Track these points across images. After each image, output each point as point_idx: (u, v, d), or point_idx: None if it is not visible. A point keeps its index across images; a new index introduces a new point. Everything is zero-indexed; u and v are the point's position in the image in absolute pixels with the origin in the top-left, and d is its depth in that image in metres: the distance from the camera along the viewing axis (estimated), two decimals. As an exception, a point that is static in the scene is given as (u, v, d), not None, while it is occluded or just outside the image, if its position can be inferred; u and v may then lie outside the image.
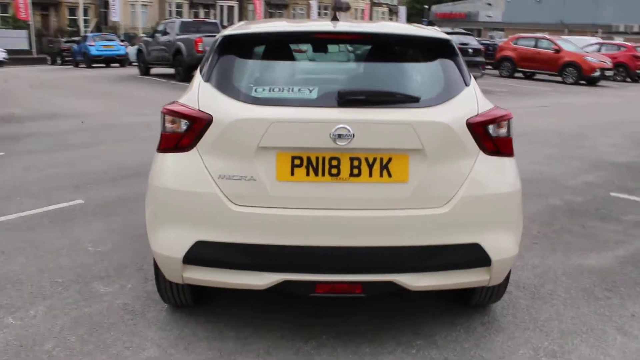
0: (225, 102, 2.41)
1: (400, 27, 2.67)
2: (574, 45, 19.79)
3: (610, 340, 2.73)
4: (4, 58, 24.97)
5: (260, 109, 2.36)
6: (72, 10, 42.10)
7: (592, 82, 18.62)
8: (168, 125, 2.46)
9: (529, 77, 20.42)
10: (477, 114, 2.43)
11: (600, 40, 24.52)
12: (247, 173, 2.33)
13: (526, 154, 7.08)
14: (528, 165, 6.46)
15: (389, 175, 2.32)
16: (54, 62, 27.87)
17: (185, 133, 2.42)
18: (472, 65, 14.77)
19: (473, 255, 2.39)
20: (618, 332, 2.81)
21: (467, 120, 2.39)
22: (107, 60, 23.79)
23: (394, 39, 2.70)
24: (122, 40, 26.38)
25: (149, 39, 18.37)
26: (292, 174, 2.32)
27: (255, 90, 2.45)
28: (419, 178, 2.33)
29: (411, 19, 47.19)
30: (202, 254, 2.40)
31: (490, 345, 2.67)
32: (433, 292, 3.06)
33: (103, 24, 41.27)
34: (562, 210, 4.82)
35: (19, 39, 31.34)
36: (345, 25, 2.59)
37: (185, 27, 17.17)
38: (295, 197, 2.33)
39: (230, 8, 48.32)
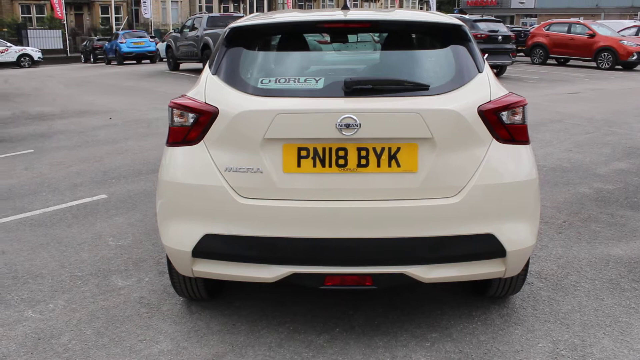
0: (231, 95, 2.39)
1: (411, 14, 2.59)
2: (609, 29, 19.08)
3: (635, 334, 2.61)
4: (38, 57, 25.65)
5: (266, 100, 2.33)
6: (105, 8, 42.95)
7: (628, 67, 17.95)
8: (176, 119, 2.46)
9: (562, 63, 19.82)
10: (490, 101, 2.34)
11: (638, 23, 23.58)
12: (253, 165, 2.31)
13: (555, 142, 6.90)
14: (557, 153, 6.30)
15: (398, 165, 2.26)
16: (87, 61, 28.49)
17: (192, 126, 2.41)
18: (501, 52, 14.46)
19: (487, 246, 2.31)
20: (644, 325, 2.69)
21: (478, 107, 2.30)
22: (138, 57, 24.19)
23: (404, 26, 2.62)
24: (152, 37, 26.75)
25: (178, 35, 18.58)
26: (299, 165, 2.29)
27: (262, 82, 2.42)
28: (429, 167, 2.27)
29: (442, 7, 46.41)
30: (210, 247, 2.39)
31: (508, 337, 2.59)
32: (449, 284, 3.01)
33: (134, 22, 41.97)
34: (591, 199, 4.65)
35: (54, 39, 32.16)
36: (353, 13, 2.53)
37: (212, 22, 17.27)
38: (303, 189, 2.30)
39: (260, 1, 48.45)
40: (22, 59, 24.99)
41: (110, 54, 25.00)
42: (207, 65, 2.65)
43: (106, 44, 26.04)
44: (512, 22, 39.90)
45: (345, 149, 2.26)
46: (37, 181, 5.54)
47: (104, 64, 25.46)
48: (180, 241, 2.44)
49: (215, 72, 2.53)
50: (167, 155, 2.52)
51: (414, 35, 2.73)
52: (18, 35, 30.40)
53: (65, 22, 33.59)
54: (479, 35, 13.96)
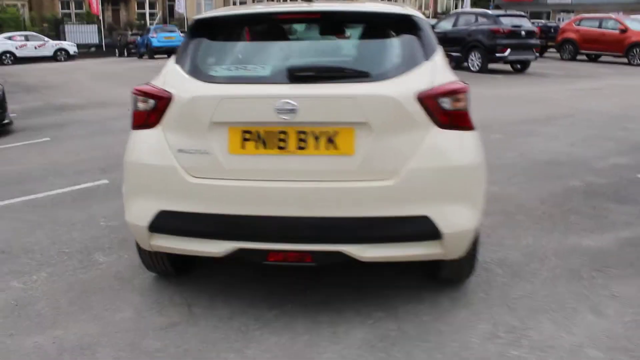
0: (186, 82, 2.55)
1: (366, 5, 2.70)
2: (644, 24, 18.52)
3: (578, 319, 2.66)
4: (74, 52, 26.51)
5: (214, 86, 2.48)
6: (141, 4, 44.04)
7: (662, 62, 17.40)
8: (138, 104, 2.64)
9: (593, 59, 19.32)
10: (431, 88, 2.42)
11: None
12: (202, 147, 2.46)
13: (561, 136, 6.84)
14: (560, 147, 6.25)
15: (335, 148, 2.38)
16: (120, 55, 29.27)
17: (151, 111, 2.58)
18: (525, 48, 14.24)
19: (422, 228, 2.40)
20: (591, 311, 2.73)
21: (417, 93, 2.39)
22: (169, 51, 24.66)
23: (354, 17, 2.73)
24: (182, 32, 27.29)
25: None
26: (243, 147, 2.43)
27: (214, 70, 2.58)
28: (365, 151, 2.37)
29: (478, 3, 45.67)
30: (165, 222, 2.56)
31: (451, 319, 2.67)
32: (405, 268, 3.11)
33: (169, 17, 42.78)
34: (579, 192, 4.64)
35: (90, 33, 33.11)
36: (305, 5, 2.65)
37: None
38: (246, 169, 2.44)
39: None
40: (58, 53, 25.87)
41: (142, 48, 25.65)
42: (174, 55, 2.82)
43: (138, 38, 26.72)
44: (548, 18, 38.91)
45: (285, 132, 2.39)
46: (47, 167, 5.85)
47: (136, 57, 26.14)
48: (138, 216, 2.62)
49: (177, 61, 2.70)
50: (131, 138, 2.70)
51: (364, 25, 2.83)
52: (56, 30, 31.46)
53: (101, 17, 34.52)
54: (501, 31, 13.79)
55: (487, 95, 10.66)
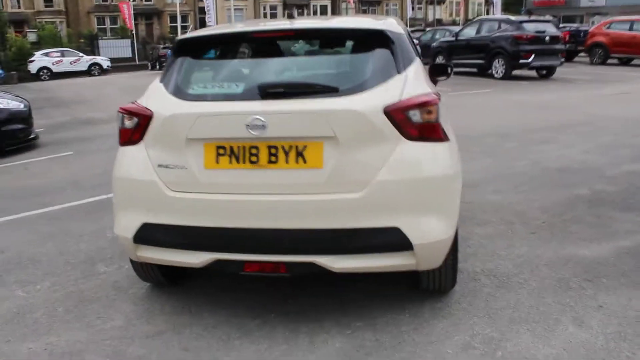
0: (166, 100, 2.67)
1: (340, 21, 2.77)
2: (677, 25, 17.96)
3: (559, 331, 2.63)
4: (107, 66, 27.44)
5: (191, 104, 2.59)
6: (174, 17, 45.25)
7: (697, 64, 16.82)
8: (124, 122, 2.76)
9: (625, 63, 18.83)
10: (398, 101, 2.46)
11: None
12: (179, 162, 2.57)
13: (577, 144, 6.73)
14: (573, 155, 6.15)
15: (304, 161, 2.44)
16: (153, 68, 30.08)
17: (134, 128, 2.71)
18: (549, 53, 14.00)
19: (392, 239, 2.44)
20: (573, 322, 2.70)
21: (384, 107, 2.44)
22: (197, 65, 25.27)
23: (327, 33, 2.81)
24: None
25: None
26: (217, 162, 2.52)
27: (193, 88, 2.69)
28: (334, 164, 2.43)
29: (510, 8, 45.10)
30: (148, 234, 2.67)
31: (429, 330, 2.69)
32: (391, 278, 3.13)
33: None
34: (585, 200, 4.56)
35: (124, 48, 34.17)
36: (280, 24, 2.74)
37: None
38: (221, 183, 2.53)
39: (324, 7, 49.14)
40: (92, 68, 26.83)
41: (172, 61, 26.27)
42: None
43: (169, 51, 27.39)
44: (581, 22, 38.07)
45: (257, 147, 2.47)
46: (67, 180, 6.11)
47: (167, 71, 26.79)
48: (124, 229, 2.74)
49: (161, 80, 2.82)
50: (118, 154, 2.84)
51: (337, 42, 2.89)
52: (91, 46, 32.59)
53: (134, 32, 35.58)
54: (524, 37, 13.61)
55: (507, 102, 10.56)
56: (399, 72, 2.61)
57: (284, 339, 2.67)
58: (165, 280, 3.19)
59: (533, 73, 15.09)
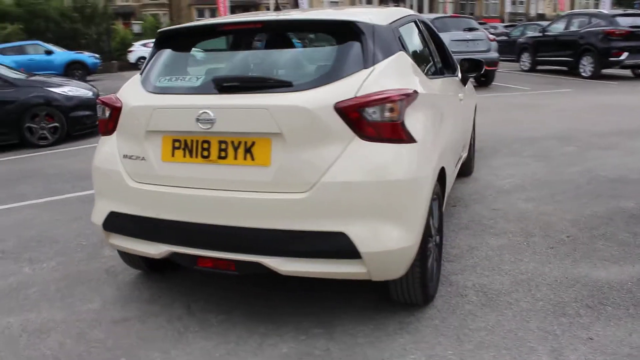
0: (136, 92, 2.71)
1: (312, 13, 2.63)
2: None
3: (530, 360, 2.36)
4: (200, 58, 28.66)
5: (152, 97, 2.60)
6: (268, 9, 46.52)
7: None
8: (102, 112, 2.84)
9: None
10: (353, 97, 2.30)
11: None
12: (140, 154, 2.59)
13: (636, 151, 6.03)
14: (635, 163, 5.55)
15: (252, 158, 2.36)
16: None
17: (108, 119, 2.78)
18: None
19: (339, 245, 2.29)
20: (550, 353, 2.40)
21: (335, 104, 2.29)
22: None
23: (296, 25, 2.68)
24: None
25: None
26: (173, 155, 2.51)
27: (160, 81, 2.70)
28: (280, 162, 2.33)
29: (622, 2, 41.59)
30: (114, 223, 2.73)
31: (387, 345, 2.51)
32: (369, 284, 2.97)
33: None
34: (627, 215, 4.06)
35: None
36: (251, 15, 2.67)
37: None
38: (176, 176, 2.51)
39: (421, 0, 48.11)
40: (186, 59, 28.14)
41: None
42: None
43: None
44: None
45: (208, 142, 2.43)
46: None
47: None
48: (96, 216, 2.82)
49: (141, 72, 2.86)
50: (98, 144, 2.93)
51: (305, 34, 2.76)
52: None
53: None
54: (617, 32, 12.40)
55: (587, 103, 9.72)
56: (365, 66, 2.44)
57: (236, 338, 2.62)
58: (147, 268, 3.25)
59: (627, 72, 13.77)
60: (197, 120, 2.38)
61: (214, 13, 43.55)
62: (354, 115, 2.29)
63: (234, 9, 49.64)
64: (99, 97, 2.86)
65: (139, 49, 26.17)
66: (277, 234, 2.34)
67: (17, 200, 5.17)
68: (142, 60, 26.75)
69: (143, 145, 2.58)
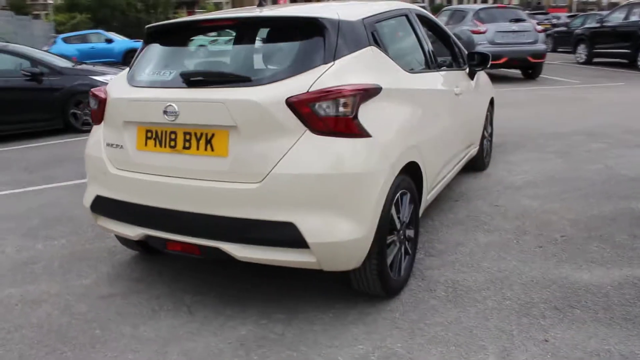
0: (119, 84, 2.90)
1: (281, 10, 2.72)
2: None
3: (478, 358, 2.37)
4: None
5: (130, 89, 2.78)
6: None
7: None
8: (92, 104, 3.05)
9: None
10: (305, 92, 2.38)
11: None
12: (119, 142, 2.78)
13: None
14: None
15: (212, 149, 2.49)
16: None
17: (97, 110, 2.98)
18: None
19: (288, 235, 2.39)
20: (498, 353, 2.39)
21: (287, 98, 2.37)
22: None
23: (264, 22, 2.77)
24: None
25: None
26: (146, 144, 2.68)
27: (140, 74, 2.87)
28: (236, 153, 2.44)
29: None
30: (100, 206, 2.95)
31: (339, 334, 2.59)
32: (334, 276, 3.05)
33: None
34: (633, 217, 3.90)
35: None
36: (228, 12, 2.78)
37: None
38: (148, 164, 2.69)
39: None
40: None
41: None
42: None
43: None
44: None
45: (175, 133, 2.58)
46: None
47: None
48: (86, 200, 3.05)
49: (130, 66, 3.05)
50: (90, 132, 3.15)
51: (272, 30, 2.83)
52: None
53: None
54: None
55: (634, 99, 9.23)
56: (325, 62, 2.50)
57: (202, 318, 2.78)
58: (141, 250, 3.47)
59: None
60: (164, 112, 2.53)
61: (275, 1, 44.04)
62: (305, 109, 2.37)
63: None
64: (92, 89, 3.08)
65: (198, 38, 26.91)
66: (233, 221, 2.46)
67: (49, 182, 5.57)
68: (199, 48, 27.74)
69: (122, 134, 2.77)
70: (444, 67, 3.93)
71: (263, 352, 2.48)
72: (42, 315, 2.90)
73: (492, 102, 5.28)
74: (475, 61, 4.32)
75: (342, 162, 2.39)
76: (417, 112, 3.03)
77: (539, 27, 11.62)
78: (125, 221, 2.84)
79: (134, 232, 2.81)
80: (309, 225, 2.37)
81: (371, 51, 2.76)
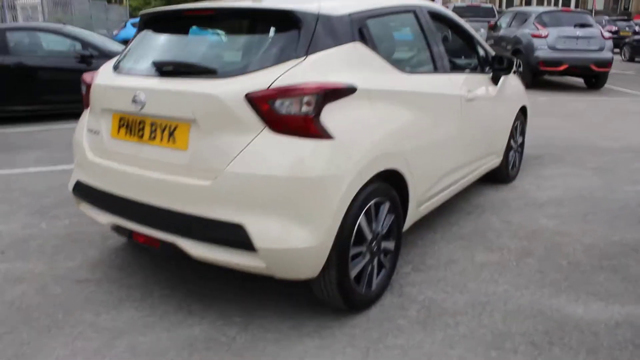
0: (105, 71, 2.91)
1: (263, 1, 2.62)
2: None
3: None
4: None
5: (111, 76, 2.78)
6: None
7: None
8: (83, 89, 3.08)
9: None
10: (265, 88, 2.26)
11: None
12: (97, 128, 2.80)
13: None
14: None
15: (174, 142, 2.44)
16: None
17: (85, 95, 3.01)
18: None
19: (237, 236, 2.29)
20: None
21: (247, 93, 2.27)
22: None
23: (241, 13, 2.68)
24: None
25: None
26: (118, 132, 2.68)
27: (122, 62, 2.88)
28: (195, 148, 2.38)
29: None
30: (80, 190, 2.99)
31: (292, 344, 2.47)
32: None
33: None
34: (662, 249, 3.53)
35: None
36: (214, 2, 2.72)
37: (458, 12, 17.17)
38: (118, 152, 2.68)
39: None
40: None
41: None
42: None
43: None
44: None
45: (144, 122, 2.55)
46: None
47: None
48: (70, 184, 3.10)
49: (121, 52, 3.06)
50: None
51: (249, 22, 2.72)
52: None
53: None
54: None
55: None
56: (296, 56, 2.38)
57: (162, 313, 2.75)
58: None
59: None
60: (133, 101, 2.51)
61: None
62: (264, 106, 2.26)
63: None
64: (83, 73, 3.10)
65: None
66: (187, 218, 2.40)
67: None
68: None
69: (99, 121, 2.78)
70: (457, 70, 3.69)
71: (207, 355, 2.41)
72: (18, 293, 2.97)
73: (523, 110, 4.94)
74: (499, 65, 4.04)
75: (299, 165, 2.27)
76: (406, 116, 2.85)
77: (607, 34, 10.81)
78: (98, 207, 2.86)
79: (105, 219, 2.82)
80: (259, 229, 2.27)
81: (354, 48, 2.60)
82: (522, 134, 5.05)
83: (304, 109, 2.26)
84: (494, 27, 12.59)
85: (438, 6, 3.71)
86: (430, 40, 3.33)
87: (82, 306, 2.83)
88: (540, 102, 9.52)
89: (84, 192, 2.94)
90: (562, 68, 10.21)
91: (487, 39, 12.63)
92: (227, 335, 2.56)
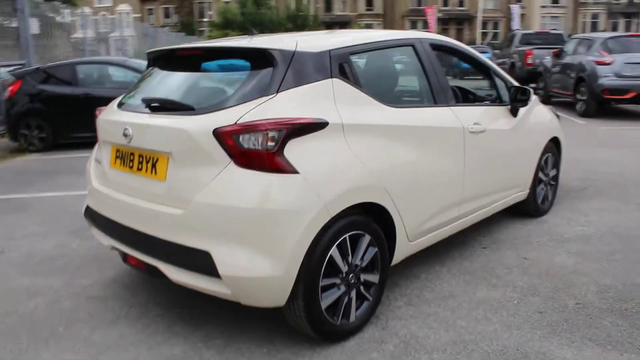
0: (110, 106, 3.21)
1: (245, 41, 2.79)
2: None
3: None
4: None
5: (112, 111, 3.05)
6: (485, 23, 45.55)
7: None
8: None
9: None
10: (231, 124, 2.39)
11: None
12: (100, 158, 3.05)
13: None
14: None
15: (155, 173, 2.62)
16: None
17: (96, 127, 3.29)
18: None
19: (204, 263, 2.40)
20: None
21: (215, 129, 2.40)
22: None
23: (225, 52, 2.85)
24: (494, 48, 26.95)
25: (496, 52, 18.62)
26: (115, 162, 2.90)
27: (124, 97, 3.15)
28: (172, 179, 2.54)
29: None
30: (89, 214, 3.23)
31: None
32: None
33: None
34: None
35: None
36: (200, 43, 2.92)
37: (526, 39, 16.77)
38: (115, 181, 2.90)
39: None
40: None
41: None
42: None
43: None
44: None
45: (133, 154, 2.75)
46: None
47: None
48: (83, 208, 3.36)
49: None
50: (96, 148, 3.48)
51: (230, 61, 2.85)
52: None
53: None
54: None
55: None
56: (267, 93, 2.50)
57: (151, 332, 2.88)
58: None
59: None
60: (123, 134, 2.73)
61: (425, 25, 43.92)
62: (229, 141, 2.38)
63: (445, 21, 49.13)
64: (97, 108, 3.40)
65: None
66: (165, 243, 2.55)
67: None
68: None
69: (102, 151, 3.03)
70: (466, 102, 3.65)
71: (179, 375, 2.52)
72: (31, 306, 3.25)
73: (556, 142, 4.75)
74: (516, 96, 3.94)
75: (261, 197, 2.36)
76: (390, 149, 2.86)
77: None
78: (101, 230, 3.09)
79: (107, 242, 3.04)
80: (223, 257, 2.37)
81: (331, 84, 2.68)
82: (556, 166, 4.83)
83: (268, 144, 2.36)
84: (558, 54, 12.09)
85: (444, 38, 3.71)
86: (429, 73, 3.33)
87: (84, 321, 3.05)
88: (599, 133, 9.04)
89: (91, 216, 3.19)
90: (629, 96, 9.62)
91: (552, 67, 12.16)
92: (203, 357, 2.66)
